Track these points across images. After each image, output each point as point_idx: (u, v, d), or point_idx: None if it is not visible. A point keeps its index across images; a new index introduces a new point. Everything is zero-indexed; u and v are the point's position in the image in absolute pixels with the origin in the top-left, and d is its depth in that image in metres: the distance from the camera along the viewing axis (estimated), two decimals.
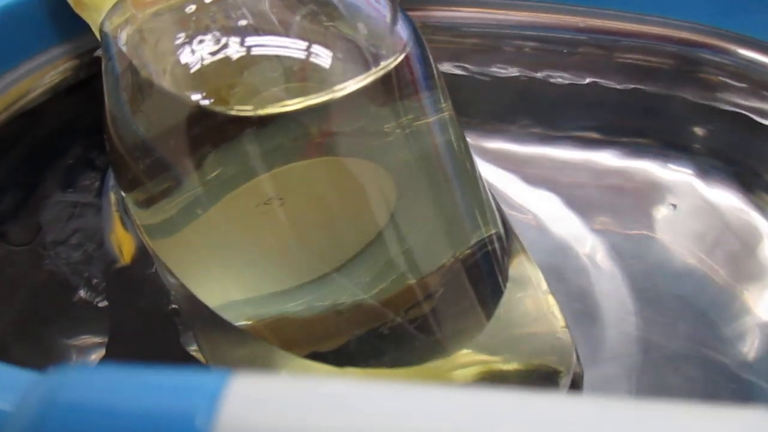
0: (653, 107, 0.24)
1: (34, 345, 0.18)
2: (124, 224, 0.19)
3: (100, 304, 0.18)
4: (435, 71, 0.18)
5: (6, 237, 0.19)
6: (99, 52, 0.20)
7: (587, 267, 0.23)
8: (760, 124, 0.22)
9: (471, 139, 0.25)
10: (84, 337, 0.18)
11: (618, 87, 0.24)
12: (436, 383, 0.15)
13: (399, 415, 0.08)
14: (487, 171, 0.25)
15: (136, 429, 0.08)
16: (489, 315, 0.16)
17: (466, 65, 0.26)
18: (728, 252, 0.23)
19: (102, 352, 0.18)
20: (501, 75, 0.25)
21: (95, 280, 0.19)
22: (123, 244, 0.19)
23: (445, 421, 0.08)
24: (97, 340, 0.18)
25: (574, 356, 0.17)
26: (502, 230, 0.18)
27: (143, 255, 0.19)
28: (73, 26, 0.22)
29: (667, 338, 0.23)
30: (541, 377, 0.17)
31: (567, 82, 0.24)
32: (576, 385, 0.17)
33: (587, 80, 0.24)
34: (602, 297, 0.23)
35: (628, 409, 0.08)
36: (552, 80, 0.25)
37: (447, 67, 0.26)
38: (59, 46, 0.22)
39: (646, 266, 0.23)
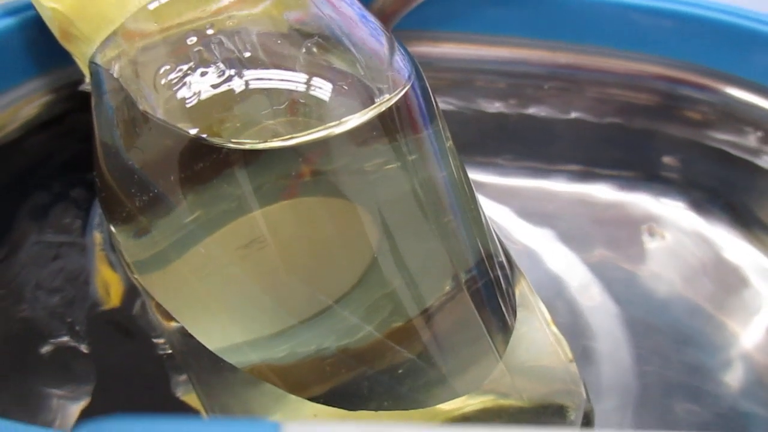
0: (639, 141, 0.24)
1: (13, 396, 0.16)
2: (111, 264, 0.18)
3: (84, 350, 0.17)
4: (435, 104, 0.18)
5: None
6: (84, 86, 0.19)
7: (580, 299, 0.23)
8: (743, 159, 0.23)
9: (486, 173, 0.25)
10: (67, 386, 0.17)
11: (603, 121, 0.24)
12: (453, 425, 0.14)
13: None
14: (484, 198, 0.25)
15: None
16: (501, 349, 0.16)
17: (448, 99, 0.26)
18: (716, 281, 0.23)
19: (87, 400, 0.17)
20: (484, 109, 0.25)
21: (78, 326, 0.18)
22: (110, 286, 0.18)
23: None
24: (83, 388, 0.17)
25: (583, 390, 0.17)
26: (504, 259, 0.18)
27: (132, 296, 0.18)
28: (48, 60, 0.21)
29: (662, 368, 0.23)
30: (552, 413, 0.16)
31: (550, 116, 0.25)
32: (588, 421, 0.17)
33: (572, 115, 0.25)
34: (596, 328, 0.23)
35: None
36: (535, 114, 0.25)
37: (440, 99, 0.26)
38: (34, 80, 0.21)
39: (636, 297, 0.24)
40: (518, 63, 0.25)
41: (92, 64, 0.16)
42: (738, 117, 0.22)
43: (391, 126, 0.16)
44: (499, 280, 0.17)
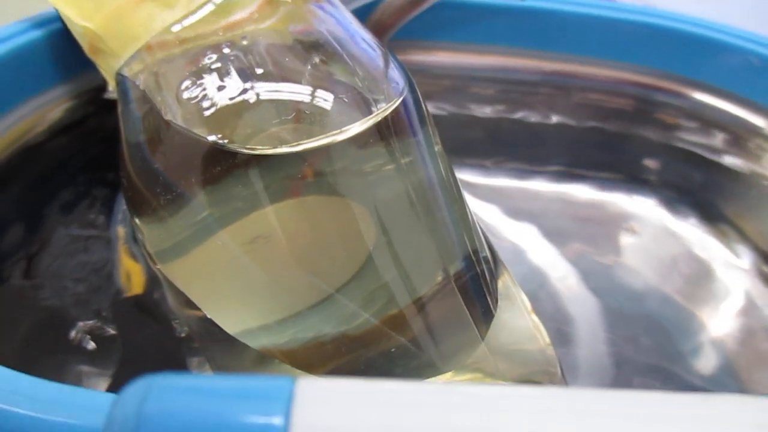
0: (616, 144, 0.26)
1: (50, 371, 0.18)
2: (133, 256, 0.20)
3: (111, 331, 0.19)
4: (426, 112, 0.20)
5: (12, 271, 0.20)
6: (108, 94, 0.21)
7: (561, 290, 0.25)
8: (710, 159, 0.25)
9: (474, 174, 0.27)
10: (96, 362, 0.19)
11: (583, 125, 0.26)
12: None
13: (440, 405, 0.09)
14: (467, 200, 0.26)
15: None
16: (483, 334, 0.18)
17: (442, 105, 0.28)
18: (686, 274, 0.25)
19: (113, 375, 0.19)
20: (474, 114, 0.27)
21: (104, 312, 0.20)
22: (133, 275, 0.20)
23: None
24: (110, 364, 0.19)
25: (559, 371, 0.19)
26: (489, 253, 0.20)
27: (153, 284, 0.20)
28: (71, 68, 0.23)
29: (636, 353, 0.25)
30: None
31: (536, 121, 0.27)
32: None
33: (555, 119, 0.27)
34: (574, 315, 0.25)
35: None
36: (522, 119, 0.27)
37: (433, 104, 0.28)
38: (58, 87, 0.23)
39: (613, 288, 0.26)
40: (506, 71, 0.27)
41: (119, 75, 0.18)
42: (705, 120, 0.24)
43: (386, 133, 0.18)
44: (483, 272, 0.19)
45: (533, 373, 0.19)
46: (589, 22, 0.26)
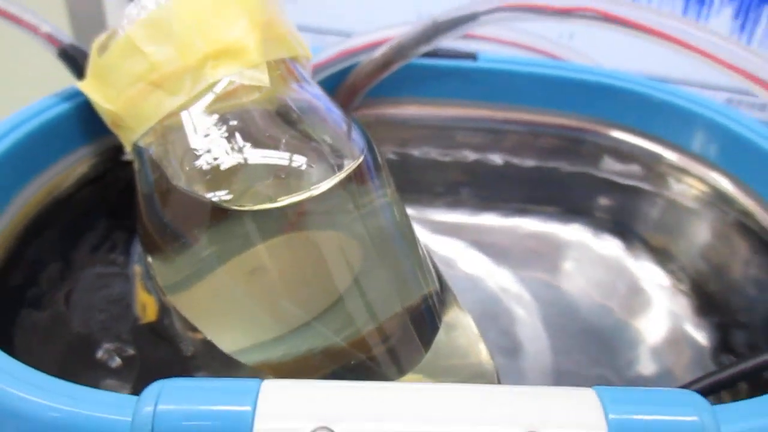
0: (553, 180, 0.30)
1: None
2: (147, 290, 0.24)
3: (130, 352, 0.24)
4: (382, 165, 0.24)
5: (52, 302, 0.24)
6: (125, 156, 0.26)
7: (511, 310, 0.29)
8: (629, 186, 0.29)
9: (417, 211, 0.31)
10: (118, 377, 0.23)
11: (524, 165, 0.31)
12: None
13: (370, 389, 0.13)
14: (432, 236, 0.31)
15: (210, 421, 0.13)
16: (427, 349, 0.22)
17: (408, 150, 0.32)
18: (619, 292, 0.30)
19: (132, 388, 0.23)
20: (435, 158, 0.31)
21: (124, 335, 0.24)
22: (147, 305, 0.24)
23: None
24: (129, 378, 0.23)
25: (496, 381, 0.23)
26: (437, 285, 0.24)
27: (163, 312, 0.24)
28: (94, 132, 0.27)
29: (577, 365, 0.29)
30: None
31: (489, 162, 0.31)
32: None
33: (501, 161, 0.31)
34: (524, 334, 0.29)
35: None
36: (488, 162, 0.32)
37: (402, 151, 0.32)
38: (84, 147, 0.28)
39: (557, 308, 0.30)
40: (461, 120, 0.31)
41: (135, 145, 0.23)
42: (621, 153, 0.29)
43: (351, 185, 0.23)
44: (431, 300, 0.23)
45: (471, 382, 0.23)
46: (526, 79, 0.30)
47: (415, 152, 0.32)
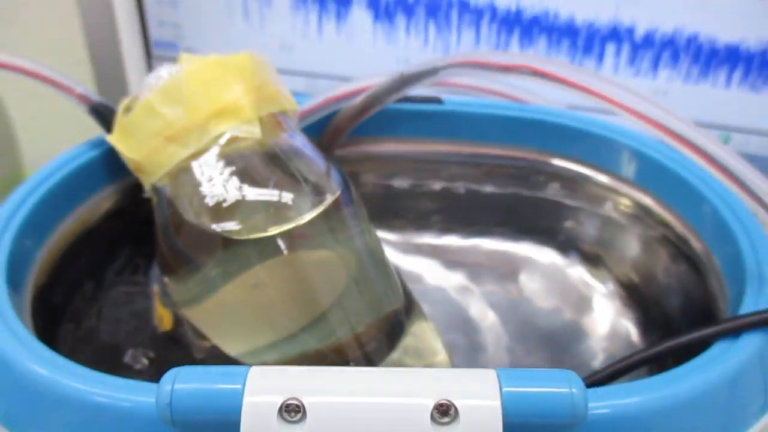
0: (511, 206, 0.35)
1: None
2: (164, 304, 0.30)
3: (151, 356, 0.29)
4: (356, 198, 0.29)
5: (87, 315, 0.30)
6: (145, 194, 0.31)
7: (474, 317, 0.34)
8: (573, 207, 0.34)
9: (398, 236, 0.37)
10: (141, 376, 0.28)
11: (488, 192, 0.36)
12: None
13: (330, 373, 0.18)
14: (404, 256, 0.36)
15: (212, 397, 0.18)
16: (391, 352, 0.27)
17: (386, 181, 0.37)
18: (566, 298, 0.34)
19: None
20: (411, 189, 0.36)
21: (145, 342, 0.29)
22: (164, 317, 0.29)
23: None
24: (150, 377, 0.28)
25: None
26: (405, 299, 0.29)
27: (177, 323, 0.29)
28: (118, 174, 0.32)
29: (532, 361, 0.33)
30: None
31: (453, 190, 0.36)
32: None
33: (464, 189, 0.36)
34: (487, 339, 0.34)
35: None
36: (454, 190, 0.37)
37: (381, 183, 0.37)
38: (110, 186, 0.33)
39: (514, 314, 0.34)
40: (430, 155, 0.36)
41: (153, 186, 0.28)
42: (565, 179, 0.34)
43: (330, 215, 0.27)
44: (398, 311, 0.28)
45: None
46: (484, 118, 0.35)
47: (393, 183, 0.37)
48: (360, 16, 0.43)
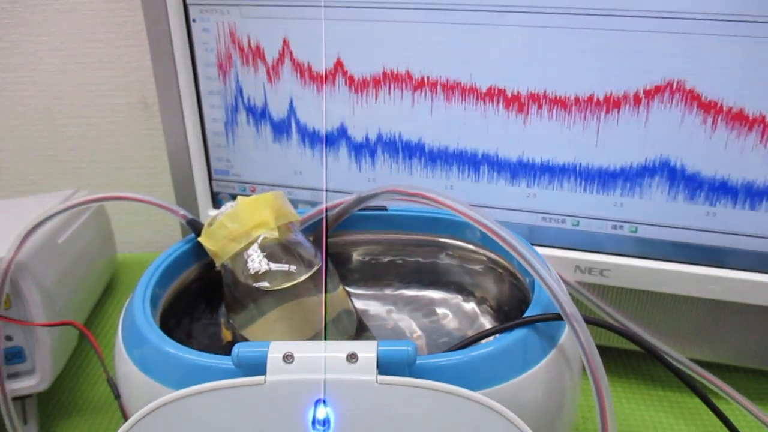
0: (428, 269, 0.59)
1: None
2: (226, 328, 0.54)
3: None
4: (331, 267, 0.53)
5: (181, 336, 0.54)
6: (218, 268, 0.56)
7: (408, 333, 0.57)
8: (465, 267, 0.58)
9: (357, 288, 0.61)
10: None
11: (413, 260, 0.60)
12: None
13: (311, 342, 0.42)
14: (364, 301, 0.60)
15: (254, 353, 0.42)
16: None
17: (356, 257, 0.62)
18: (464, 321, 0.57)
19: None
20: (369, 261, 0.61)
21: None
22: (226, 335, 0.54)
23: None
24: None
25: None
26: (359, 326, 0.53)
27: (235, 338, 0.53)
28: (201, 256, 0.57)
29: None
30: None
31: (396, 261, 0.60)
32: None
33: (398, 261, 0.60)
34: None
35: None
36: (396, 261, 0.61)
37: (352, 257, 0.62)
38: (196, 263, 0.58)
39: (435, 334, 0.57)
40: (381, 241, 0.60)
41: (223, 264, 0.53)
42: (453, 250, 0.58)
43: (316, 276, 0.52)
44: (356, 333, 0.51)
45: None
46: (408, 218, 0.59)
47: (360, 257, 0.61)
48: (343, 152, 0.69)
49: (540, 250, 0.63)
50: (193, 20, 0.66)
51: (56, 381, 0.61)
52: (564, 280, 0.54)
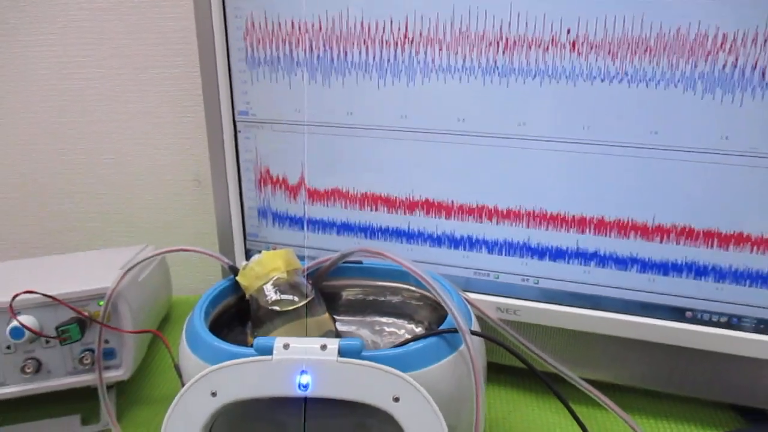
0: (392, 305, 0.87)
1: None
2: (252, 337, 0.82)
3: None
4: (320, 297, 0.81)
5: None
6: (247, 297, 0.84)
7: (377, 344, 0.84)
8: (410, 303, 0.85)
9: (340, 315, 0.88)
10: None
11: (383, 299, 0.87)
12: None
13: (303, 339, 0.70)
14: (344, 325, 0.88)
15: (266, 345, 0.69)
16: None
17: (342, 295, 0.89)
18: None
19: None
20: (351, 298, 0.88)
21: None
22: (251, 342, 0.81)
23: None
24: None
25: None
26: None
27: None
28: (236, 291, 0.86)
29: None
30: None
31: (378, 300, 0.88)
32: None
33: (372, 298, 0.87)
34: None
35: None
36: (367, 298, 0.88)
37: (340, 295, 0.90)
38: (231, 294, 0.86)
39: (390, 344, 0.84)
40: (357, 285, 0.88)
41: (250, 295, 0.81)
42: (403, 292, 0.85)
43: (311, 304, 0.80)
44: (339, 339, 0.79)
45: None
46: (375, 269, 0.87)
47: (344, 294, 0.89)
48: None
49: (472, 295, 0.90)
50: (239, 131, 0.98)
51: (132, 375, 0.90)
52: (488, 317, 0.80)
